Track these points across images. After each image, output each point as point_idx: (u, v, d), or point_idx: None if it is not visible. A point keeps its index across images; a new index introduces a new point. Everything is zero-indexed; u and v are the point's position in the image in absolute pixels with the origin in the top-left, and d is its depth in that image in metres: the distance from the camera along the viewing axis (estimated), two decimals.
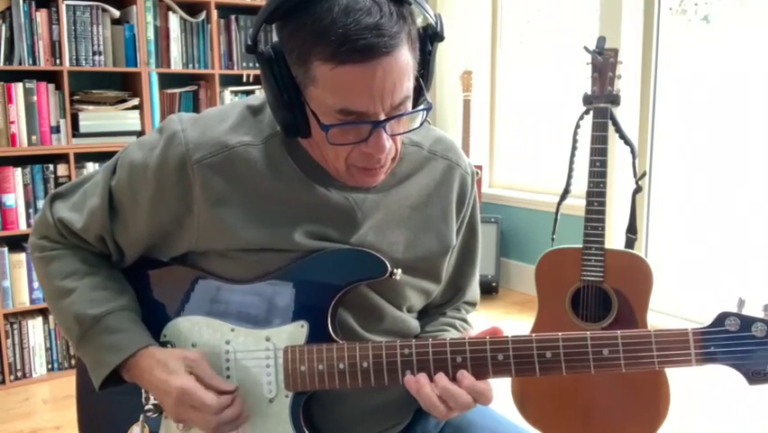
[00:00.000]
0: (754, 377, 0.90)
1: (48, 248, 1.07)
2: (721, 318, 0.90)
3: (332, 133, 0.89)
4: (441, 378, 0.95)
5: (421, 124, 0.97)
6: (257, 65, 0.93)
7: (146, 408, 1.03)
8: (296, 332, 1.00)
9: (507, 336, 0.95)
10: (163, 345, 1.04)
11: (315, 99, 0.89)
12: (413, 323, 1.12)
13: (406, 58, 0.87)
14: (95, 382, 1.01)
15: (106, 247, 1.06)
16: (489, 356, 0.94)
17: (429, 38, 0.93)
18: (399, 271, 1.00)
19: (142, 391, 1.05)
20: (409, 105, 0.92)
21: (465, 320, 1.20)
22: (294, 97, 0.90)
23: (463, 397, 0.93)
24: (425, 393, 0.94)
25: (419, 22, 0.92)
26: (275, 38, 0.92)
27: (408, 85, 0.90)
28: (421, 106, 0.95)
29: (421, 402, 0.96)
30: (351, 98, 0.86)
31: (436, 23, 0.93)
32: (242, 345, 1.02)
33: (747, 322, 0.90)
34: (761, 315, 0.90)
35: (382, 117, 0.89)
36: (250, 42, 0.90)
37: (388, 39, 0.84)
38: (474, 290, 1.22)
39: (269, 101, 0.94)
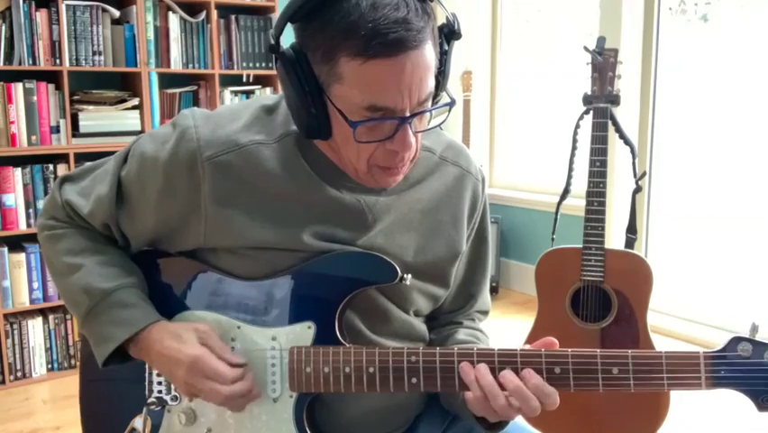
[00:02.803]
0: (764, 404, 0.88)
1: (56, 227, 1.08)
2: (733, 343, 0.89)
3: (359, 130, 0.89)
4: (509, 374, 0.92)
5: (442, 122, 0.97)
6: (276, 65, 0.92)
7: (149, 400, 1.04)
8: (302, 333, 1.00)
9: (516, 350, 0.94)
10: None
11: (340, 97, 0.89)
12: (420, 326, 1.12)
13: (430, 53, 0.88)
14: (99, 358, 1.00)
15: (112, 234, 1.07)
16: (497, 368, 0.93)
17: (446, 36, 0.94)
18: (409, 276, 0.99)
19: (146, 383, 1.05)
20: (430, 102, 0.93)
21: (482, 331, 1.19)
22: (316, 97, 0.90)
23: (533, 402, 0.91)
24: (488, 382, 0.92)
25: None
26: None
27: (432, 81, 0.91)
28: (444, 102, 0.95)
29: (476, 393, 0.93)
30: (379, 93, 0.87)
31: (453, 22, 0.94)
32: (248, 343, 1.02)
33: (760, 348, 0.88)
34: None
35: (408, 114, 0.89)
36: (273, 42, 0.90)
37: (416, 33, 0.85)
38: (486, 298, 1.21)
39: (289, 102, 0.94)
